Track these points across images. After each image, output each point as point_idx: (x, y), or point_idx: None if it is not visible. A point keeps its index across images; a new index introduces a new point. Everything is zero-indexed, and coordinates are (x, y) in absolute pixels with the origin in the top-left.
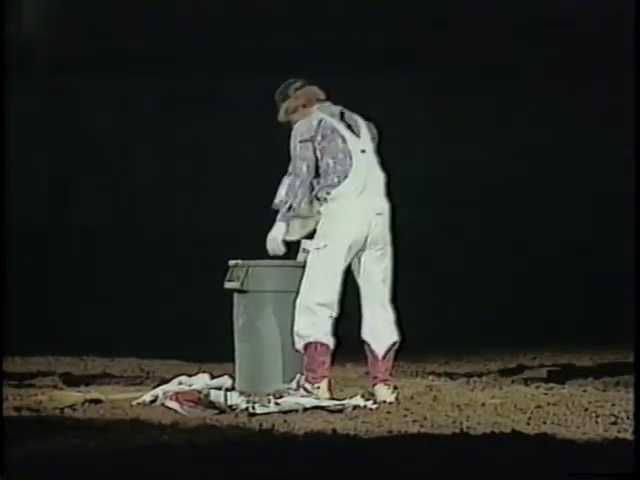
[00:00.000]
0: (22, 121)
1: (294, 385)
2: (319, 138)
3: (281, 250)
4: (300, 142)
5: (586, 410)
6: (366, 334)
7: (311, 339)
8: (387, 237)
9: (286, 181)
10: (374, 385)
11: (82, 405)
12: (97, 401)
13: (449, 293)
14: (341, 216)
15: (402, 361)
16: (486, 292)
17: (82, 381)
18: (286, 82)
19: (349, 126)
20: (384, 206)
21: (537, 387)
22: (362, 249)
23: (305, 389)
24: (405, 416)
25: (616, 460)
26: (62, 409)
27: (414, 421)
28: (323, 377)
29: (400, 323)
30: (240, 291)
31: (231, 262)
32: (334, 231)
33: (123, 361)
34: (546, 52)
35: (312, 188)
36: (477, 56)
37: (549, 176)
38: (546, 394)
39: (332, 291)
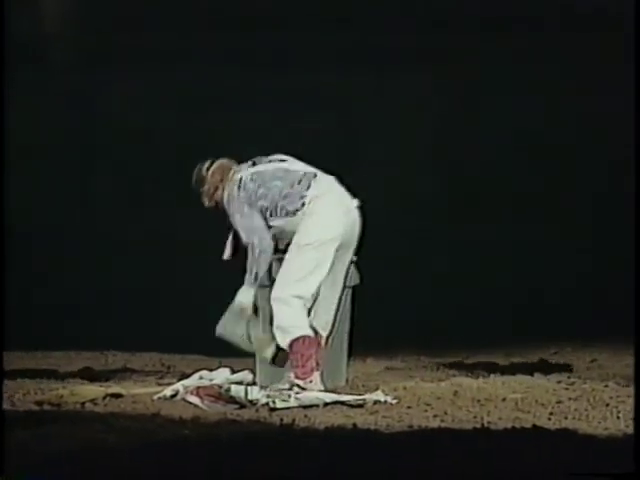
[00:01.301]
0: (29, 118)
1: (286, 385)
2: (250, 191)
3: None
4: (237, 212)
5: (607, 405)
6: (319, 325)
7: (297, 334)
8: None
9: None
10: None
11: (103, 399)
12: (118, 395)
13: (470, 288)
14: (326, 216)
15: (423, 355)
16: (508, 288)
17: (103, 375)
18: (196, 168)
19: (269, 162)
20: (355, 203)
21: (558, 382)
22: (342, 247)
23: (298, 386)
24: (426, 411)
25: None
26: (83, 403)
27: (435, 416)
28: (313, 370)
29: (422, 317)
30: (260, 286)
31: None
32: (320, 230)
33: (144, 355)
34: (545, 52)
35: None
36: (477, 56)
37: (549, 176)
38: (567, 389)
39: (315, 287)
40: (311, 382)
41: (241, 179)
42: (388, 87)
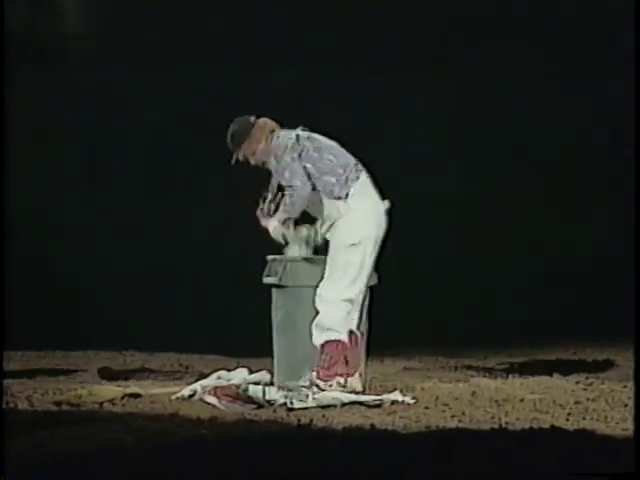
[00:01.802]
0: (29, 118)
1: (307, 383)
2: (305, 147)
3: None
4: (287, 158)
5: (626, 406)
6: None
7: (334, 336)
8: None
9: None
10: (354, 375)
11: (121, 399)
12: (136, 395)
13: (488, 289)
14: (366, 212)
15: (441, 356)
16: (525, 288)
17: (121, 375)
18: (236, 123)
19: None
20: (386, 205)
21: (576, 382)
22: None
23: (318, 387)
24: (443, 411)
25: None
26: (101, 403)
27: (452, 416)
28: (335, 375)
29: (439, 318)
30: (278, 286)
31: (269, 257)
32: (364, 227)
33: (162, 356)
34: (546, 53)
35: (318, 188)
36: (478, 56)
37: (550, 176)
38: (585, 389)
39: (362, 287)
40: (331, 386)
41: (297, 136)
42: (400, 87)
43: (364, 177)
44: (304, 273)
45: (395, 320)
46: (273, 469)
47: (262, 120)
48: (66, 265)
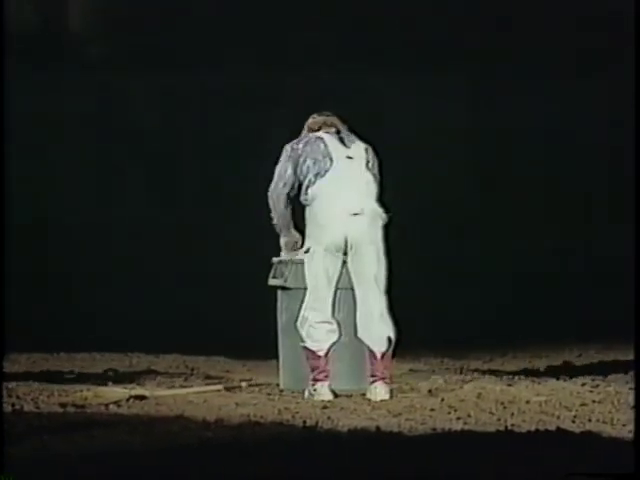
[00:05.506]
0: (29, 118)
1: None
2: (301, 145)
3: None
4: (284, 155)
5: (632, 408)
6: (361, 333)
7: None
8: (373, 237)
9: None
10: (372, 383)
11: (127, 401)
12: (142, 397)
13: (494, 291)
14: (316, 218)
15: (446, 358)
16: (531, 290)
17: (127, 377)
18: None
19: (340, 139)
20: (363, 207)
21: (582, 385)
22: (344, 251)
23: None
24: (449, 413)
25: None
26: (107, 405)
27: (458, 418)
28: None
29: (445, 320)
30: (284, 288)
31: (275, 259)
32: (313, 234)
33: (167, 357)
34: (549, 53)
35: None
36: (482, 57)
37: (549, 176)
38: (592, 392)
39: (322, 292)
40: (315, 390)
41: (309, 135)
42: (405, 89)
43: (323, 181)
44: None
45: (400, 322)
46: (279, 471)
47: (324, 118)
48: (71, 267)
